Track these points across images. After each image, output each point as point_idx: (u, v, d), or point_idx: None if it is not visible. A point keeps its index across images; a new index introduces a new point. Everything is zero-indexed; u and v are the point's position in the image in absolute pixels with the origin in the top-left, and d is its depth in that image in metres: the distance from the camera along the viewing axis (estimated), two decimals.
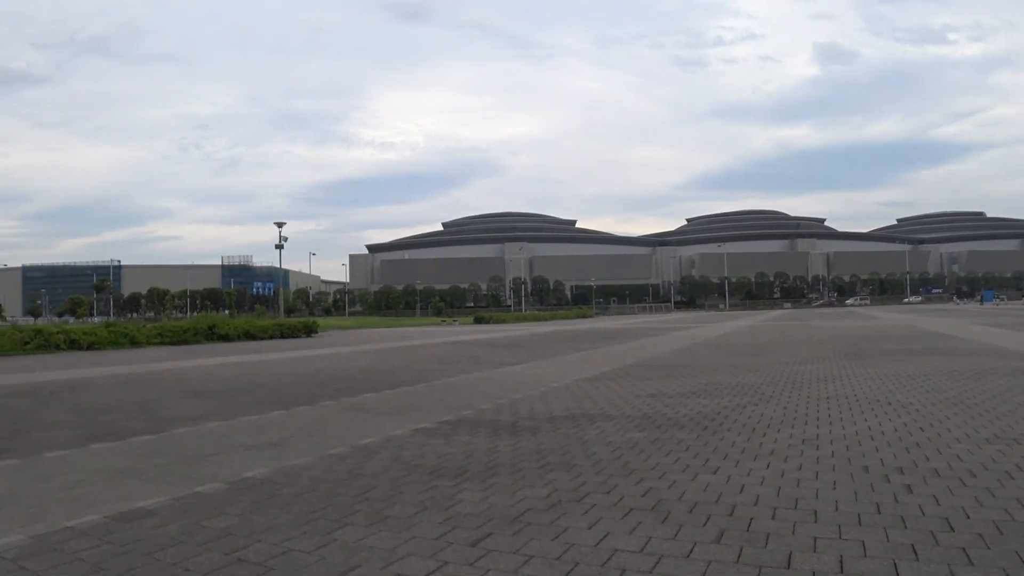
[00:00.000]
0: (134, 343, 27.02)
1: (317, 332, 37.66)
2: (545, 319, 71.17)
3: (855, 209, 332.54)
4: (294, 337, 34.03)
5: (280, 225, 51.13)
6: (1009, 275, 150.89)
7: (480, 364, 16.07)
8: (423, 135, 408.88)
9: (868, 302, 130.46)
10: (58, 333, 25.45)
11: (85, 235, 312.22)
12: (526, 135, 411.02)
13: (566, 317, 77.62)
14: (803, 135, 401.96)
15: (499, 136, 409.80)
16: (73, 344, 25.12)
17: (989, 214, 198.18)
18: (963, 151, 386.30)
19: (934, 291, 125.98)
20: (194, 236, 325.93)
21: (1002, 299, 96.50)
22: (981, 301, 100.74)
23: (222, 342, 29.46)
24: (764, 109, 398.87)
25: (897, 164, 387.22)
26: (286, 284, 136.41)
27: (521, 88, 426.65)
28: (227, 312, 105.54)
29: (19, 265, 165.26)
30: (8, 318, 69.06)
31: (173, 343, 28.06)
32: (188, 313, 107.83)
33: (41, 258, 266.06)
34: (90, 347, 25.30)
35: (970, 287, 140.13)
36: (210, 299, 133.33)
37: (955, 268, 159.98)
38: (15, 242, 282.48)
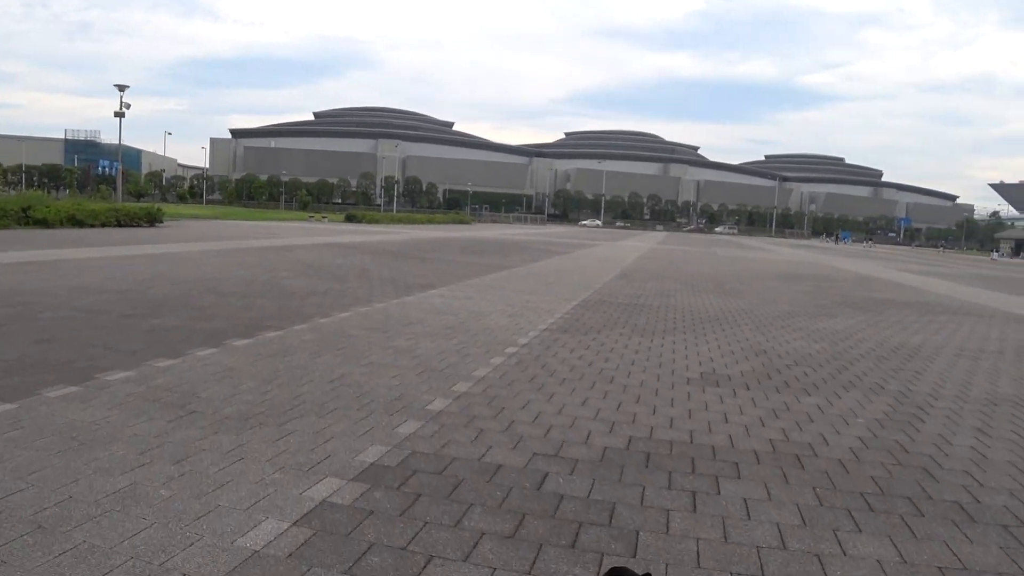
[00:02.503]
0: None
1: (163, 222, 30.76)
2: (421, 222, 65.82)
3: (725, 142, 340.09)
4: (134, 226, 27.34)
5: (122, 89, 42.22)
6: (861, 218, 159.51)
7: (377, 285, 11.52)
8: (295, 18, 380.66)
9: (736, 232, 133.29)
10: None
11: None
12: (407, 29, 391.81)
13: (443, 222, 72.50)
14: (682, 64, 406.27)
15: (378, 28, 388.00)
16: None
17: (848, 161, 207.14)
18: (827, 99, 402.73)
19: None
20: (37, 105, 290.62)
21: (870, 243, 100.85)
22: (836, 240, 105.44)
23: (39, 228, 22.89)
24: (648, 34, 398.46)
25: (767, 104, 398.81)
26: (136, 165, 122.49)
27: None
28: (67, 193, 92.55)
29: None
30: None
31: None
32: (23, 191, 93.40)
33: None
34: None
35: (826, 227, 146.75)
36: (49, 176, 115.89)
37: (813, 207, 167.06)
38: None
